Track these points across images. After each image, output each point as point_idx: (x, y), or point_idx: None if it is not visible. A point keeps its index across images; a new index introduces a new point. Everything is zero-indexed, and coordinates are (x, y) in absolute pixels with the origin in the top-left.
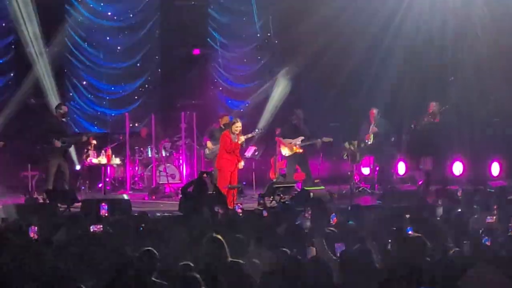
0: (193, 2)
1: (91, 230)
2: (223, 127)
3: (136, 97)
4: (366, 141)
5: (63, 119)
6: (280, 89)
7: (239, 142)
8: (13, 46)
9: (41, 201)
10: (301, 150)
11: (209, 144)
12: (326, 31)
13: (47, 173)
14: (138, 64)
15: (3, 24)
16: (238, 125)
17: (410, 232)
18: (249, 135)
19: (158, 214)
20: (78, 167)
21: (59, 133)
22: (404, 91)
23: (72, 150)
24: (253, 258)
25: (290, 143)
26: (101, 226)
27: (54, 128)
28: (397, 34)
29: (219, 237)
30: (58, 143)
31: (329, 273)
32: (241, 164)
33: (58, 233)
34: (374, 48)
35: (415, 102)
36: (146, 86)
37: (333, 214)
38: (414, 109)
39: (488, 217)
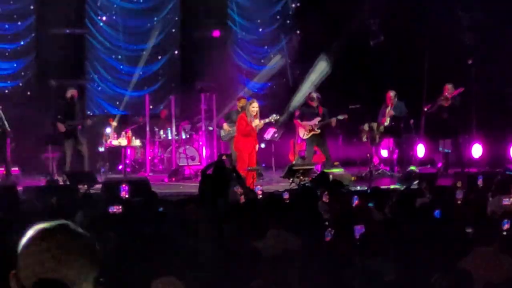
0: None
1: (110, 211)
2: (240, 109)
3: (156, 79)
4: (383, 123)
5: (73, 102)
6: (319, 71)
7: (254, 125)
8: (34, 27)
9: (61, 183)
10: (318, 131)
11: (225, 126)
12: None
13: (64, 155)
14: (158, 46)
15: (25, 6)
16: (254, 105)
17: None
18: (266, 120)
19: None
20: (101, 149)
21: (65, 116)
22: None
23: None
24: (272, 240)
25: (308, 124)
26: (120, 207)
27: (61, 111)
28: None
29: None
30: (62, 127)
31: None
32: (258, 146)
33: (77, 214)
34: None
35: (433, 84)
36: (166, 67)
37: (355, 196)
38: (432, 91)
39: (505, 199)
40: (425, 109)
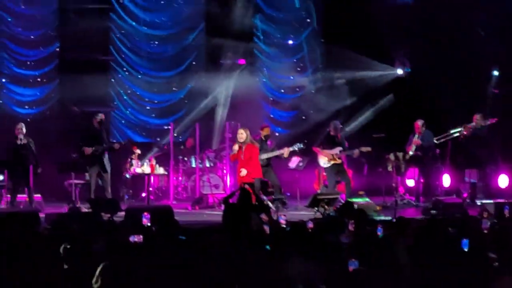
0: (237, 12)
1: (131, 240)
2: (263, 138)
3: (181, 106)
4: (408, 152)
5: (100, 127)
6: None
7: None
8: (57, 54)
9: (84, 210)
10: (339, 161)
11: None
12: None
13: (89, 182)
14: (183, 73)
15: (49, 32)
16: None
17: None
18: (290, 149)
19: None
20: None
21: (93, 141)
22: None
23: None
24: (297, 269)
25: (328, 153)
26: (141, 236)
27: (89, 136)
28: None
29: None
30: (88, 151)
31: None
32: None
33: (98, 242)
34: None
35: (460, 114)
36: (191, 95)
37: (379, 227)
38: (458, 121)
39: None
40: (435, 140)
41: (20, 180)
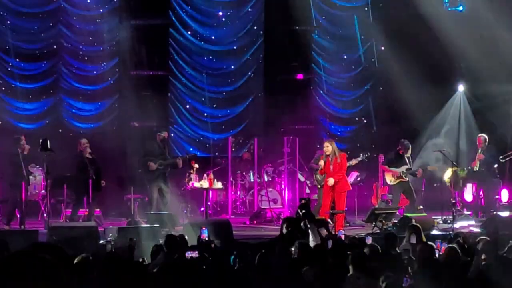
0: (297, 27)
1: (187, 256)
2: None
3: (239, 121)
4: (473, 167)
5: (162, 143)
6: None
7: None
8: (117, 69)
9: (143, 224)
10: (406, 179)
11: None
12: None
13: (149, 196)
14: (242, 88)
15: (109, 47)
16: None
17: None
18: (355, 161)
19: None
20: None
21: (157, 156)
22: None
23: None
24: (353, 284)
25: (396, 171)
26: (197, 252)
27: (152, 152)
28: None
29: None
30: (153, 166)
31: None
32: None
33: (158, 257)
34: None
35: None
36: (249, 110)
37: (439, 240)
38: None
39: None
40: (500, 159)
41: (83, 195)
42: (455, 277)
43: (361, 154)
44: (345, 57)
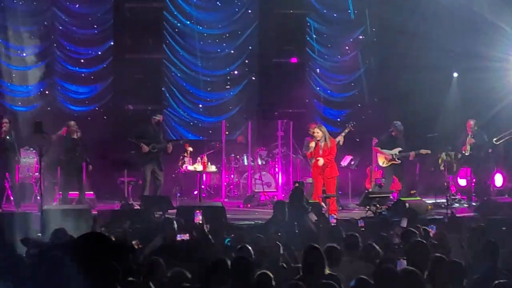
0: (291, 11)
1: (178, 238)
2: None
3: (233, 105)
4: (463, 152)
5: (157, 126)
6: None
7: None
8: (112, 52)
9: (136, 207)
10: (398, 161)
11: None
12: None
13: (143, 179)
14: (236, 72)
15: (103, 30)
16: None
17: None
18: (341, 137)
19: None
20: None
21: (150, 139)
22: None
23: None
24: (346, 268)
25: (388, 153)
26: (188, 234)
27: (146, 135)
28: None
29: (318, 247)
30: (146, 148)
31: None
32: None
33: (155, 239)
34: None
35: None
36: (243, 93)
37: (432, 225)
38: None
39: None
40: (494, 141)
41: (72, 177)
42: (441, 259)
43: (347, 125)
44: (340, 41)
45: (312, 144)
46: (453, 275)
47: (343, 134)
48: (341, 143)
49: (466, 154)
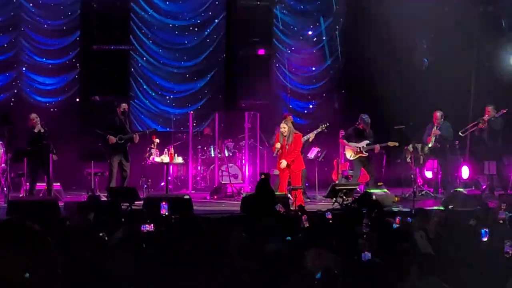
0: (258, 3)
1: (143, 229)
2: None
3: (200, 96)
4: (428, 143)
5: (123, 117)
6: None
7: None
8: (79, 43)
9: (103, 198)
10: (365, 154)
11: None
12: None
13: (109, 170)
14: (203, 63)
15: (70, 21)
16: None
17: None
18: (315, 132)
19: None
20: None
21: (117, 130)
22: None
23: None
24: (314, 260)
25: (355, 146)
26: (152, 225)
27: (113, 126)
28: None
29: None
30: (113, 139)
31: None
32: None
33: (117, 231)
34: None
35: (479, 106)
36: (210, 85)
37: (398, 217)
38: (478, 112)
39: None
40: (460, 133)
41: (38, 169)
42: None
43: (320, 125)
44: (307, 32)
45: (278, 146)
46: (421, 265)
47: (315, 132)
48: (310, 140)
49: (430, 145)
